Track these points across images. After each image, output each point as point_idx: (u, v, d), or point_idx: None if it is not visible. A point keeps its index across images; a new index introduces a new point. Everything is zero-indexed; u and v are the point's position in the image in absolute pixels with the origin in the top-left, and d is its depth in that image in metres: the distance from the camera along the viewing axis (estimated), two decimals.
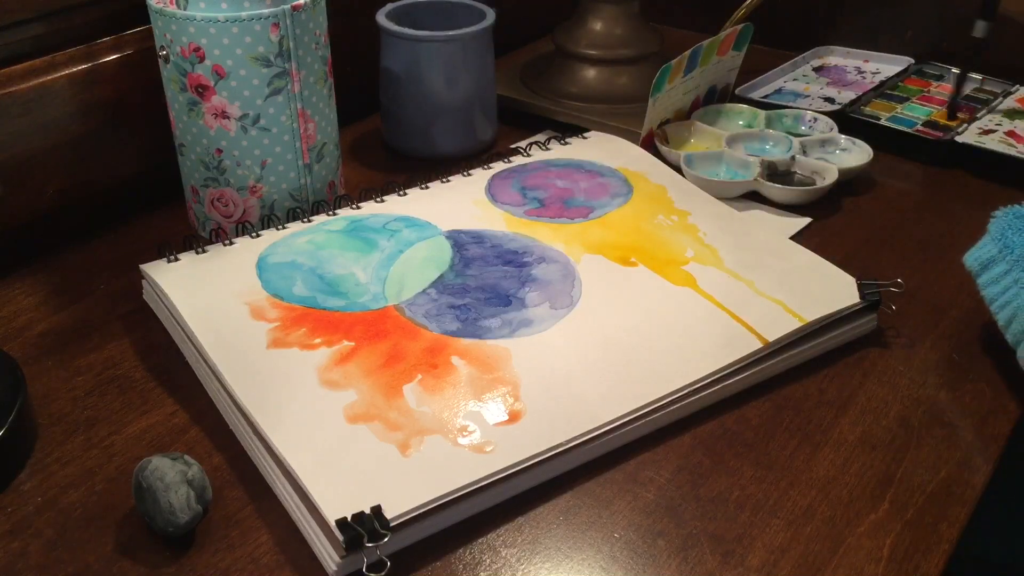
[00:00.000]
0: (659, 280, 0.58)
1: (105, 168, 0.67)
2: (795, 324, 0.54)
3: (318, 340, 0.52)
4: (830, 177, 0.71)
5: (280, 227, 0.62)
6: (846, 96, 0.86)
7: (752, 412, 0.52)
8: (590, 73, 0.83)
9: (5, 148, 0.61)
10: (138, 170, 0.69)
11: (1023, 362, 0.52)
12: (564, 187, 0.68)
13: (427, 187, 0.68)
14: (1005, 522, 0.68)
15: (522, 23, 0.96)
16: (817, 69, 0.93)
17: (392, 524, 0.42)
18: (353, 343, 0.52)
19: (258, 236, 0.61)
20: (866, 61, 0.94)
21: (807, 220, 0.69)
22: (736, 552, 0.44)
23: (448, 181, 0.69)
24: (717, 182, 0.71)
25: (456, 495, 0.44)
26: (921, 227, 0.69)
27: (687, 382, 0.51)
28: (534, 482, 0.47)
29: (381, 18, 0.75)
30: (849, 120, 0.80)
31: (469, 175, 0.69)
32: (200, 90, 0.60)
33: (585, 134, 0.76)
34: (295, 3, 0.59)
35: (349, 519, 0.41)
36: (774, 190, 0.70)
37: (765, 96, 0.86)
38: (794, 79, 0.90)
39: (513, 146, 0.74)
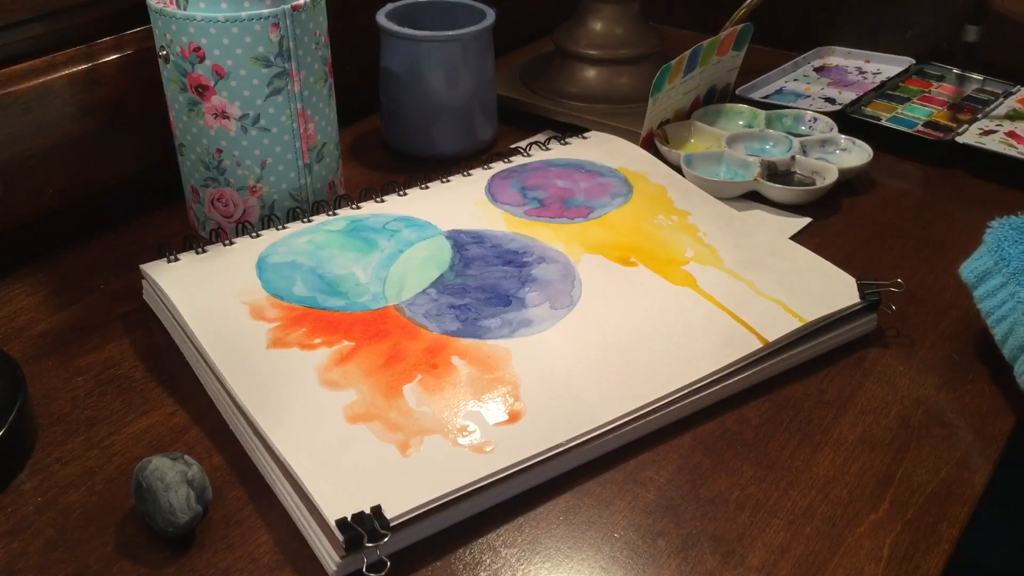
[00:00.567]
0: (659, 280, 0.58)
1: (105, 168, 0.67)
2: (795, 324, 0.54)
3: (318, 340, 0.52)
4: (830, 177, 0.71)
5: (280, 227, 0.62)
6: (847, 96, 0.86)
7: (752, 412, 0.52)
8: (590, 73, 0.83)
9: (5, 148, 0.61)
10: (138, 170, 0.69)
11: (1021, 379, 0.51)
12: (564, 187, 0.68)
13: (427, 187, 0.68)
14: (1005, 524, 0.68)
15: (522, 23, 0.96)
16: (818, 69, 0.93)
17: (392, 524, 0.42)
18: (353, 343, 0.52)
19: (258, 236, 0.61)
20: (867, 61, 0.94)
21: (807, 220, 0.69)
22: (736, 552, 0.44)
23: (448, 181, 0.69)
24: (717, 182, 0.71)
25: (456, 495, 0.44)
26: (921, 227, 0.69)
27: (687, 382, 0.51)
28: (534, 482, 0.47)
29: (381, 18, 0.75)
30: (849, 120, 0.80)
31: (469, 175, 0.69)
32: (200, 90, 0.60)
33: (585, 134, 0.76)
34: (295, 3, 0.59)
35: (349, 519, 0.41)
36: (774, 190, 0.70)
37: (766, 96, 0.86)
38: (795, 79, 0.90)
39: (513, 146, 0.74)
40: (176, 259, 0.58)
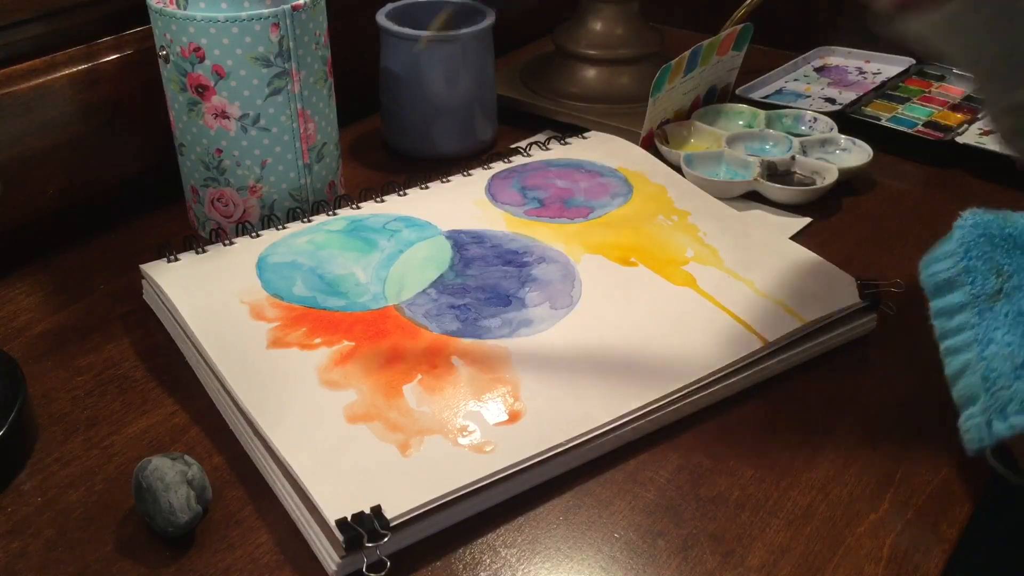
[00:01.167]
0: (659, 280, 0.58)
1: (105, 168, 0.67)
2: (795, 324, 0.54)
3: (318, 340, 0.52)
4: (830, 177, 0.71)
5: (280, 227, 0.62)
6: (847, 96, 0.86)
7: (752, 412, 0.52)
8: (590, 73, 0.83)
9: (5, 148, 0.61)
10: (138, 170, 0.69)
11: (966, 436, 0.45)
12: (564, 187, 0.68)
13: (427, 187, 0.68)
14: (1006, 524, 0.68)
15: (522, 23, 0.96)
16: (818, 69, 0.93)
17: (392, 524, 0.42)
18: (353, 343, 0.52)
19: (258, 236, 0.61)
20: (867, 61, 0.94)
21: (807, 220, 0.69)
22: (736, 552, 0.44)
23: (448, 181, 0.69)
24: (717, 182, 0.71)
25: (456, 495, 0.44)
26: (921, 227, 0.69)
27: (687, 382, 0.51)
28: (534, 482, 0.47)
29: (381, 18, 0.75)
30: (849, 120, 0.80)
31: (469, 175, 0.69)
32: (200, 90, 0.60)
33: (585, 134, 0.76)
34: (295, 3, 0.59)
35: (349, 519, 0.41)
36: (774, 190, 0.70)
37: (766, 96, 0.86)
38: (795, 79, 0.90)
39: (513, 146, 0.74)
40: (176, 259, 0.58)
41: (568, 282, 0.58)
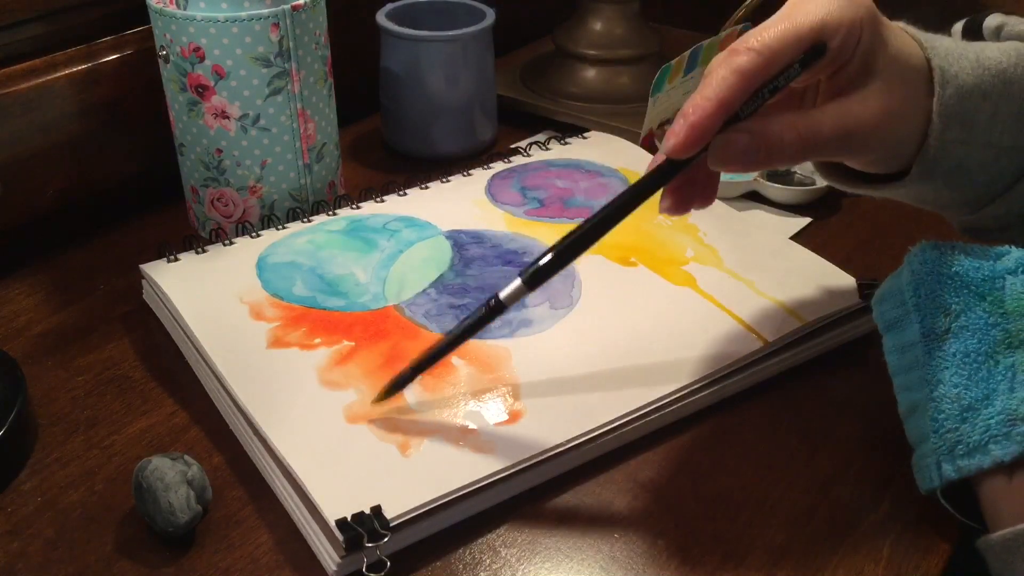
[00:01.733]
0: (659, 280, 0.58)
1: (105, 168, 0.67)
2: (795, 324, 0.54)
3: (318, 340, 0.52)
4: None
5: (280, 227, 0.62)
6: None
7: (752, 412, 0.52)
8: (590, 73, 0.83)
9: (5, 148, 0.61)
10: (138, 170, 0.69)
11: (916, 473, 0.45)
12: (564, 187, 0.68)
13: (427, 187, 0.68)
14: None
15: (522, 23, 0.96)
16: None
17: (392, 524, 0.42)
18: (353, 343, 0.52)
19: (258, 236, 0.61)
20: None
21: (807, 220, 0.69)
22: (736, 552, 0.44)
23: (448, 181, 0.69)
24: None
25: (456, 495, 0.44)
26: (921, 227, 0.69)
27: (687, 382, 0.51)
28: (534, 482, 0.47)
29: (381, 18, 0.75)
30: None
31: (469, 175, 0.69)
32: (200, 90, 0.60)
33: (585, 134, 0.76)
34: (295, 3, 0.59)
35: (349, 519, 0.41)
36: (774, 190, 0.70)
37: None
38: None
39: (513, 146, 0.74)
40: (176, 259, 0.58)
41: (568, 282, 0.58)
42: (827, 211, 0.70)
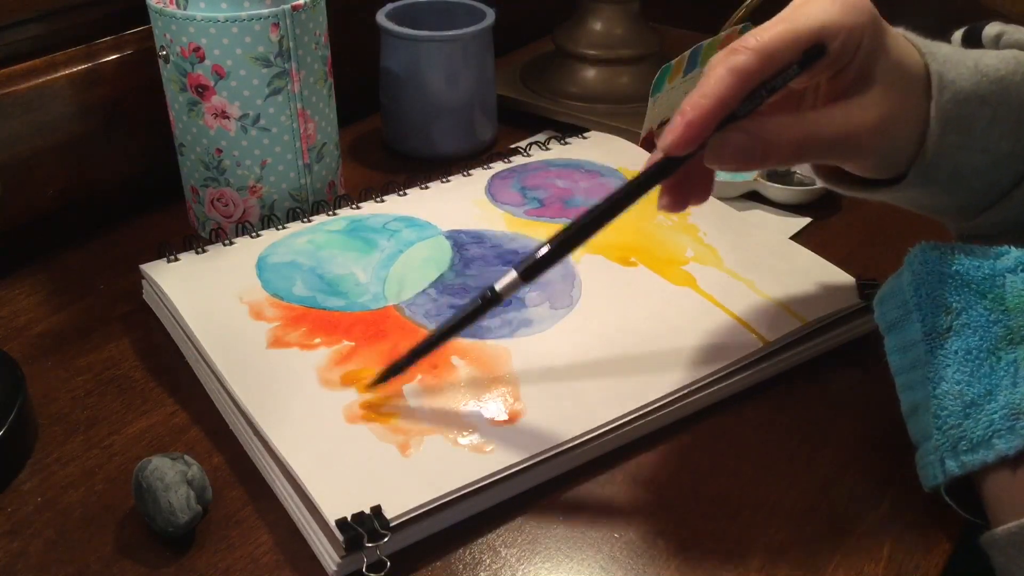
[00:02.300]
0: (659, 280, 0.58)
1: (105, 168, 0.67)
2: (795, 324, 0.54)
3: (318, 340, 0.52)
4: None
5: (280, 227, 0.62)
6: None
7: (752, 412, 0.52)
8: (590, 73, 0.83)
9: (5, 148, 0.61)
10: (138, 170, 0.69)
11: (923, 472, 0.45)
12: (564, 187, 0.68)
13: (427, 187, 0.68)
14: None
15: (522, 23, 0.96)
16: None
17: (392, 524, 0.42)
18: (353, 343, 0.52)
19: (258, 236, 0.61)
20: None
21: (807, 220, 0.69)
22: (736, 552, 0.44)
23: (448, 181, 0.69)
24: (717, 182, 0.70)
25: (456, 495, 0.44)
26: (921, 227, 0.69)
27: (687, 382, 0.51)
28: (534, 482, 0.47)
29: (381, 18, 0.75)
30: None
31: (469, 175, 0.69)
32: (200, 90, 0.60)
33: (585, 134, 0.76)
34: (295, 3, 0.59)
35: (349, 519, 0.41)
36: (774, 190, 0.70)
37: None
38: None
39: (513, 146, 0.74)
40: (176, 259, 0.58)
41: (568, 282, 0.58)
42: (827, 211, 0.70)
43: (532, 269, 0.45)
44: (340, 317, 0.54)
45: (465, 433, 0.47)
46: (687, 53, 0.75)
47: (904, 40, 0.47)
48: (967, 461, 0.42)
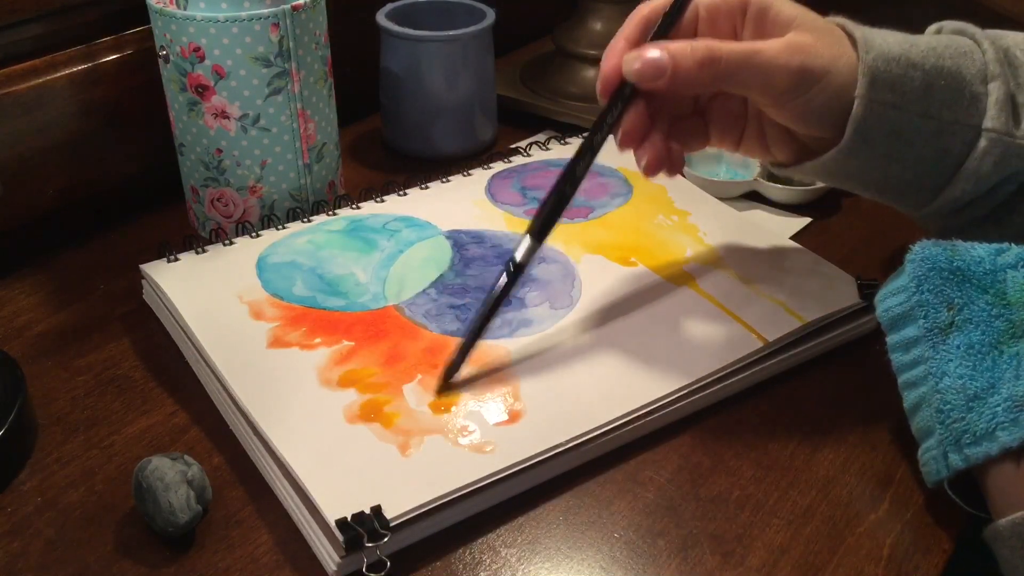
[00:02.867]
0: (659, 280, 0.58)
1: (105, 168, 0.67)
2: (795, 324, 0.54)
3: (318, 340, 0.52)
4: None
5: (280, 227, 0.62)
6: None
7: (752, 412, 0.52)
8: (590, 73, 0.83)
9: (5, 148, 0.61)
10: (138, 170, 0.69)
11: (926, 468, 0.46)
12: None
13: (427, 187, 0.68)
14: None
15: (522, 23, 0.96)
16: None
17: (392, 524, 0.42)
18: (353, 343, 0.52)
19: (258, 236, 0.61)
20: None
21: (807, 220, 0.69)
22: (736, 552, 0.44)
23: (448, 181, 0.69)
24: (717, 182, 0.71)
25: (456, 495, 0.44)
26: (920, 228, 0.69)
27: (687, 382, 0.51)
28: (534, 482, 0.47)
29: (381, 18, 0.75)
30: None
31: (469, 175, 0.69)
32: (200, 90, 0.60)
33: (585, 134, 0.76)
34: (295, 3, 0.59)
35: (349, 519, 0.41)
36: (774, 190, 0.70)
37: None
38: None
39: (513, 146, 0.74)
40: (176, 259, 0.58)
41: (568, 282, 0.58)
42: (827, 211, 0.70)
43: (543, 227, 0.51)
44: (340, 317, 0.54)
45: (465, 433, 0.47)
46: None
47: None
48: (971, 454, 0.43)
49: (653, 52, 0.48)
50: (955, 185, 0.51)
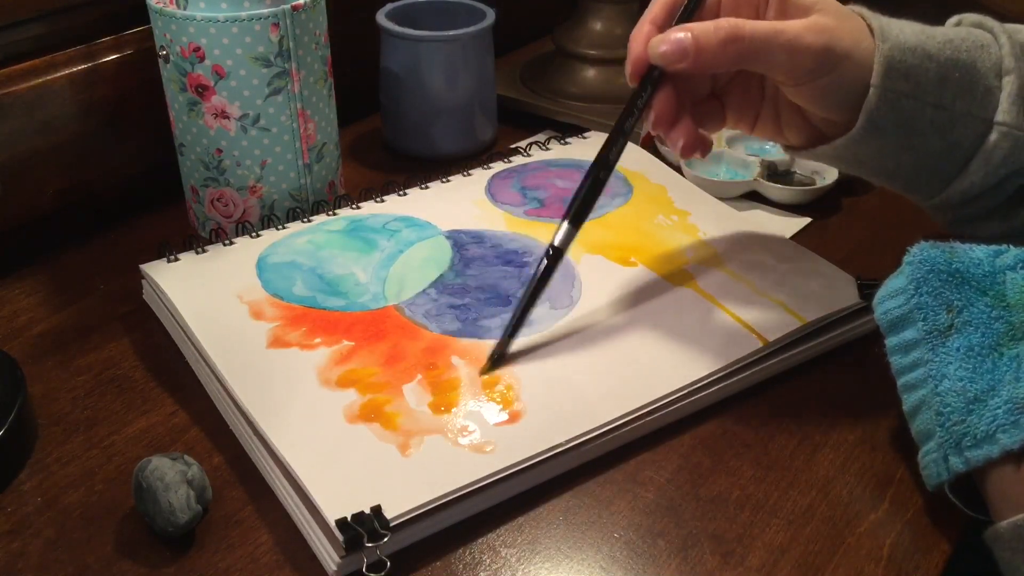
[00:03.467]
0: (659, 280, 0.58)
1: (105, 168, 0.67)
2: (795, 324, 0.54)
3: (318, 340, 0.52)
4: (830, 177, 0.71)
5: (280, 227, 0.62)
6: None
7: (752, 412, 0.52)
8: (590, 73, 0.83)
9: (5, 148, 0.61)
10: (138, 170, 0.69)
11: (926, 471, 0.45)
12: (564, 187, 0.68)
13: (427, 187, 0.68)
14: None
15: (522, 23, 0.96)
16: None
17: (392, 524, 0.42)
18: (353, 343, 0.52)
19: (258, 236, 0.61)
20: None
21: (807, 220, 0.69)
22: (736, 552, 0.44)
23: (448, 181, 0.69)
24: (717, 182, 0.71)
25: (456, 495, 0.44)
26: (921, 227, 0.69)
27: (687, 382, 0.51)
28: (534, 482, 0.47)
29: (381, 18, 0.75)
30: None
31: (469, 175, 0.69)
32: (200, 90, 0.60)
33: (585, 134, 0.76)
34: (295, 3, 0.59)
35: (349, 519, 0.41)
36: (774, 190, 0.70)
37: None
38: None
39: (513, 146, 0.74)
40: (176, 259, 0.58)
41: (568, 282, 0.58)
42: (827, 211, 0.70)
43: (579, 213, 0.53)
44: (340, 317, 0.54)
45: (465, 433, 0.47)
46: None
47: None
48: (971, 457, 0.43)
49: (677, 34, 0.49)
50: (965, 177, 0.52)
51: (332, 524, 0.41)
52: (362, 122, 0.83)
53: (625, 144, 0.53)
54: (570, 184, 0.68)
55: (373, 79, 0.78)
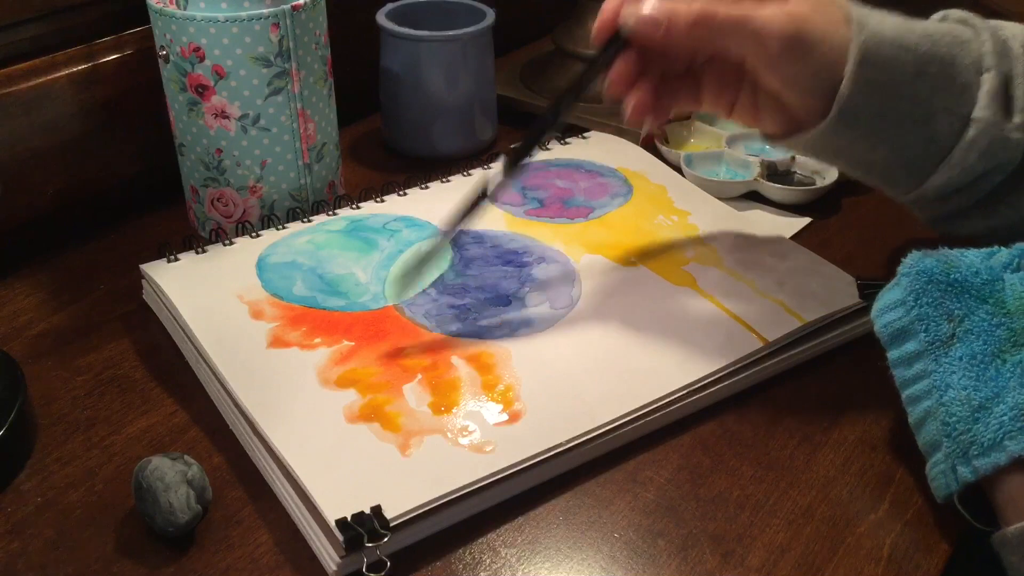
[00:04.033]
0: (659, 280, 0.58)
1: (105, 168, 0.67)
2: (795, 324, 0.54)
3: (318, 340, 0.52)
4: (830, 177, 0.71)
5: (280, 227, 0.62)
6: None
7: (752, 412, 0.52)
8: None
9: (5, 148, 0.61)
10: (138, 170, 0.69)
11: (935, 483, 0.45)
12: (564, 187, 0.68)
13: (427, 187, 0.68)
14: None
15: (522, 23, 0.96)
16: None
17: (392, 524, 0.42)
18: (353, 343, 0.52)
19: (258, 236, 0.61)
20: None
21: (807, 220, 0.69)
22: (736, 552, 0.44)
23: (448, 181, 0.69)
24: (717, 182, 0.71)
25: (456, 495, 0.44)
26: (921, 227, 0.69)
27: (687, 382, 0.51)
28: (534, 482, 0.47)
29: (381, 18, 0.75)
30: None
31: (469, 175, 0.69)
32: (200, 90, 0.60)
33: (585, 134, 0.76)
34: (295, 3, 0.59)
35: (349, 519, 0.41)
36: (774, 190, 0.70)
37: None
38: None
39: (513, 146, 0.74)
40: (176, 259, 0.58)
41: (568, 282, 0.58)
42: (827, 211, 0.70)
43: (517, 155, 0.53)
44: (340, 317, 0.54)
45: (465, 433, 0.47)
46: None
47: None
48: (979, 466, 0.42)
49: (651, 6, 0.50)
50: (941, 172, 0.52)
51: (332, 524, 0.41)
52: (362, 122, 0.83)
53: (578, 94, 0.53)
54: (570, 184, 0.68)
55: (373, 79, 0.78)
